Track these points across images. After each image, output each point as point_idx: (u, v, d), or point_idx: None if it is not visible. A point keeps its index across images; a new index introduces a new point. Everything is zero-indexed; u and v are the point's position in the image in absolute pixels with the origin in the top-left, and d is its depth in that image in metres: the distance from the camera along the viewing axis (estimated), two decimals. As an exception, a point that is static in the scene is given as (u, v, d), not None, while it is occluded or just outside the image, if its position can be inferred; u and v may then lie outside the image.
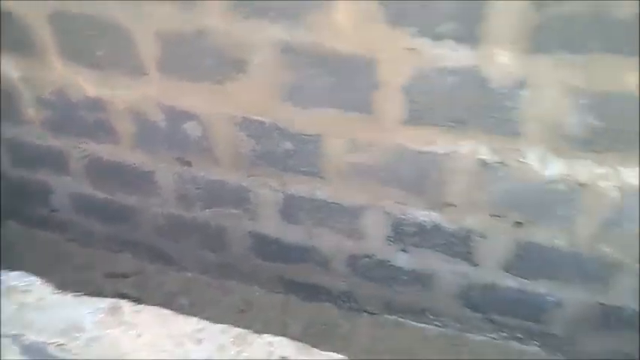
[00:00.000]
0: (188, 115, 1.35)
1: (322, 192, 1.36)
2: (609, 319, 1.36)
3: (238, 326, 1.06)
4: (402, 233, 1.37)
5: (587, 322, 1.39)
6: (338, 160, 1.29)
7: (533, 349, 1.50)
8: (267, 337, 1.01)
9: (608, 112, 1.03)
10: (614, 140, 1.07)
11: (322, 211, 1.40)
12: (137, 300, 1.57)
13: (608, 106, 1.03)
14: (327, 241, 1.47)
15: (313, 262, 1.54)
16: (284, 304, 1.65)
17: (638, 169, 1.08)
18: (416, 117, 1.15)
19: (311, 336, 1.54)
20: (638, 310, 1.32)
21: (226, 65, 1.23)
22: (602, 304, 1.34)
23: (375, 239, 1.41)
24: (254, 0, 1.11)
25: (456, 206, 1.27)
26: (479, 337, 1.53)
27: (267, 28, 1.14)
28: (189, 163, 1.46)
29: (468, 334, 1.53)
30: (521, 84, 1.04)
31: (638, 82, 0.98)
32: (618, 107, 1.02)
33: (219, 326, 1.04)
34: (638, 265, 1.23)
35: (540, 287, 1.35)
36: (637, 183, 1.10)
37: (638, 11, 0.91)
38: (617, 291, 1.30)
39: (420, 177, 1.25)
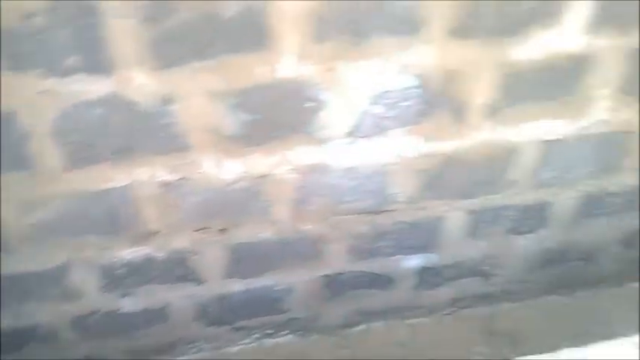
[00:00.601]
0: None
1: (11, 266, 1.22)
2: (336, 285, 1.47)
3: None
4: (116, 278, 1.29)
5: (320, 295, 1.49)
6: (17, 226, 1.17)
7: (286, 338, 1.56)
8: None
9: (254, 105, 1.09)
10: (270, 129, 1.14)
11: (22, 285, 1.26)
12: None
13: (253, 100, 1.09)
14: (43, 313, 1.33)
15: (39, 340, 1.38)
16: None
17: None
18: (79, 159, 1.09)
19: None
20: (355, 270, 1.45)
21: None
22: (324, 275, 1.44)
23: (91, 294, 1.31)
24: None
25: (159, 233, 1.24)
26: (235, 348, 1.54)
27: None
28: None
29: (224, 350, 1.53)
30: (168, 100, 1.04)
31: (269, 73, 1.06)
32: (261, 99, 1.08)
33: None
34: (338, 232, 1.35)
35: (266, 281, 1.40)
36: (303, 162, 1.19)
37: (242, 9, 0.97)
38: (331, 259, 1.41)
39: (111, 216, 1.19)
